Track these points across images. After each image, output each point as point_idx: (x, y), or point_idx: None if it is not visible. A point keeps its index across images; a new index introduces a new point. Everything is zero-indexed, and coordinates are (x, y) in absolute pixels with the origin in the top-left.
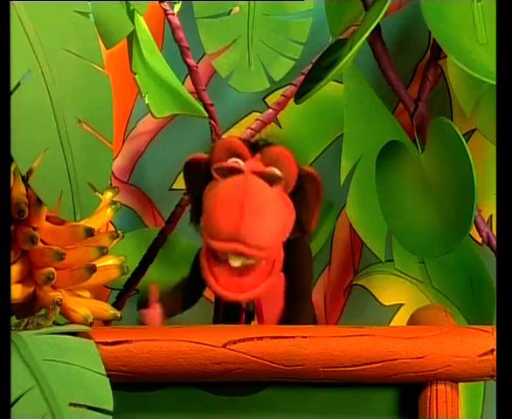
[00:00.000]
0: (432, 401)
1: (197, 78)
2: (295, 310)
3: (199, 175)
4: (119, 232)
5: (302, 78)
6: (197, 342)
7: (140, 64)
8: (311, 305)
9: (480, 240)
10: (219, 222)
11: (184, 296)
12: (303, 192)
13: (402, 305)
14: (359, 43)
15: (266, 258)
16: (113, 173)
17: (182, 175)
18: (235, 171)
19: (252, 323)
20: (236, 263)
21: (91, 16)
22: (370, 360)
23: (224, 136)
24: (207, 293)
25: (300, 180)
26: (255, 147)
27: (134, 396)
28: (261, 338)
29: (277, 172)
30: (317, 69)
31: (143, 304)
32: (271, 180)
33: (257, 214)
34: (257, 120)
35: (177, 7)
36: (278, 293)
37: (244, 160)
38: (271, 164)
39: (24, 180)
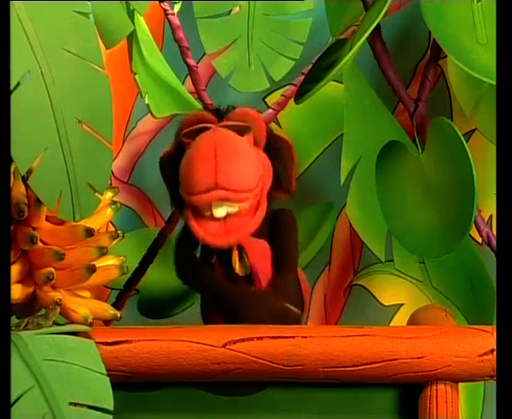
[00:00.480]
0: (432, 401)
1: (197, 78)
2: (281, 283)
3: (171, 162)
4: (119, 232)
5: (302, 78)
6: (197, 342)
7: (140, 64)
8: (296, 277)
9: (480, 240)
10: (196, 175)
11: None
12: (277, 150)
13: (402, 305)
14: (359, 43)
15: (248, 200)
16: (113, 173)
17: None
18: (203, 130)
19: (252, 287)
20: (220, 212)
21: (91, 16)
22: (370, 360)
23: None
24: None
25: (272, 139)
26: (220, 113)
27: (134, 396)
28: (261, 338)
29: (244, 123)
30: (317, 69)
31: None
32: (239, 130)
33: (231, 158)
34: None
35: (177, 7)
36: (267, 262)
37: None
38: None
39: (24, 180)
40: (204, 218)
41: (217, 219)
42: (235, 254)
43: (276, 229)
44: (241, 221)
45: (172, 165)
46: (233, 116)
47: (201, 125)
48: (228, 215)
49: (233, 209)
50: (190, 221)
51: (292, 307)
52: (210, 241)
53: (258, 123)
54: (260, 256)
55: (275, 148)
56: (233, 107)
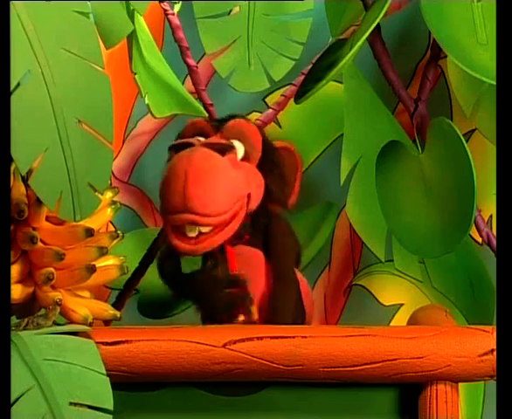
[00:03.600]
0: (432, 401)
1: (197, 78)
2: (281, 291)
3: None
4: (119, 232)
5: (302, 78)
6: (197, 342)
7: (140, 64)
8: (294, 283)
9: (480, 240)
10: (168, 195)
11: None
12: (274, 164)
13: (402, 305)
14: (359, 43)
15: (220, 223)
16: (113, 173)
17: None
18: (186, 146)
19: (253, 308)
20: (192, 233)
21: (91, 16)
22: (370, 360)
23: None
24: None
25: (272, 152)
26: (218, 123)
27: (135, 396)
28: (261, 338)
29: (227, 142)
30: (317, 69)
31: None
32: (221, 149)
33: (201, 181)
34: (257, 120)
35: (177, 7)
36: (259, 274)
37: (207, 137)
38: (232, 138)
39: (24, 180)
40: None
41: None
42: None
43: (270, 237)
44: (213, 234)
45: None
46: (227, 128)
47: (186, 140)
48: (200, 233)
49: (206, 229)
50: (169, 235)
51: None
52: (181, 247)
53: (252, 135)
54: (251, 264)
55: (274, 162)
56: (233, 117)
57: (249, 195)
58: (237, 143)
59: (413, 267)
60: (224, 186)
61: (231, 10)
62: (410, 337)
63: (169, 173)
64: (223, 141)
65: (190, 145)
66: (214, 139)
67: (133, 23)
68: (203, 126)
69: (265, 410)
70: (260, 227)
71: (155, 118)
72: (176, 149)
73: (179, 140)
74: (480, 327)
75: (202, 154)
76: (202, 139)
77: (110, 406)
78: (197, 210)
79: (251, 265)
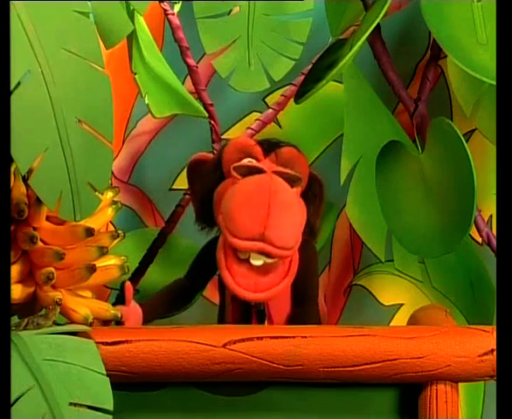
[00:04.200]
0: (432, 401)
1: (197, 78)
2: (302, 313)
3: (205, 174)
4: (119, 232)
5: (302, 78)
6: (197, 342)
7: (140, 64)
8: (317, 308)
9: (480, 240)
10: (245, 221)
11: (177, 297)
12: (312, 194)
13: (402, 305)
14: (359, 43)
15: (288, 257)
16: (113, 173)
17: (182, 175)
18: (255, 171)
19: (266, 322)
20: (258, 262)
21: (91, 16)
22: (370, 360)
23: (224, 136)
24: (207, 293)
25: (314, 183)
26: (268, 147)
27: (135, 396)
28: (261, 338)
29: (296, 174)
30: (317, 69)
31: (120, 300)
32: (291, 181)
33: (283, 215)
34: (257, 120)
35: (177, 7)
36: (284, 296)
37: (257, 160)
38: (285, 165)
39: (24, 180)
40: (237, 263)
41: (250, 268)
42: None
43: (300, 262)
44: (272, 279)
45: (206, 181)
46: (282, 155)
47: (254, 164)
48: (264, 264)
49: (271, 260)
50: (221, 267)
51: None
52: (238, 293)
53: (302, 165)
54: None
55: (311, 193)
56: (281, 144)
57: None
58: (295, 172)
59: (413, 267)
60: (299, 221)
61: (231, 10)
62: (410, 337)
63: (245, 197)
64: (292, 173)
65: (258, 169)
66: (282, 168)
67: (133, 23)
68: (251, 147)
69: (265, 410)
70: None
71: (155, 118)
72: (240, 171)
73: (247, 163)
74: (480, 327)
75: (281, 185)
76: (254, 162)
77: (110, 406)
78: (274, 242)
79: None
